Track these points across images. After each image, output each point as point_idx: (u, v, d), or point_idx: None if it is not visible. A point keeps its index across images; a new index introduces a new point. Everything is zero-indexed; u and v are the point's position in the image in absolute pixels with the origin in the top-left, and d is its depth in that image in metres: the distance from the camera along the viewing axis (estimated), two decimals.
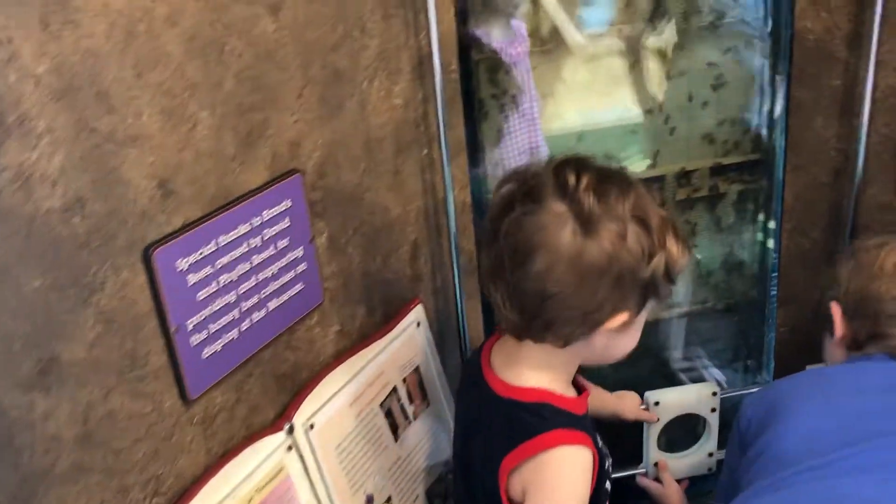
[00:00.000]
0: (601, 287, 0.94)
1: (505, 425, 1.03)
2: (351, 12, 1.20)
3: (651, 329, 1.92)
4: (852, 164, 1.55)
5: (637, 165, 1.76)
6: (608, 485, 1.12)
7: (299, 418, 1.16)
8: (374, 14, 1.24)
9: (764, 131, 1.74)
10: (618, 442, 1.62)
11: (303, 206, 1.14)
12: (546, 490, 0.98)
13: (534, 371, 1.04)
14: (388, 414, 1.33)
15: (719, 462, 1.77)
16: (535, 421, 1.00)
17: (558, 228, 0.93)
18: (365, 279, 1.33)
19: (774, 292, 1.79)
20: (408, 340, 1.39)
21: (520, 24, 1.59)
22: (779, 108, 1.67)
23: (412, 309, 1.41)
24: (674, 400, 1.58)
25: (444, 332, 1.59)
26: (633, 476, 1.68)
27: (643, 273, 0.95)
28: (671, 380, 1.90)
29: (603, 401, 1.54)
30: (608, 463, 1.13)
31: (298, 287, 1.16)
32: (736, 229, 1.84)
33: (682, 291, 1.90)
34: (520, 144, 1.67)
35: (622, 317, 0.98)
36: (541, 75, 1.66)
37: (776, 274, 1.77)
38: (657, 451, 1.66)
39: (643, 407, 1.59)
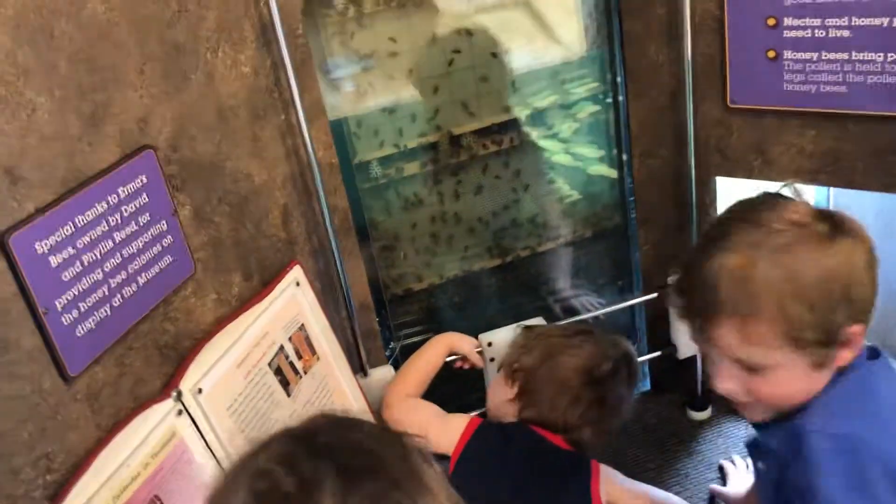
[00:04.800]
0: None
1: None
2: None
3: (529, 263, 2.04)
4: (683, 85, 1.67)
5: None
6: None
7: (186, 384, 1.20)
8: None
9: (607, 64, 1.85)
10: (464, 386, 1.72)
11: (159, 180, 1.17)
12: None
13: None
14: (278, 371, 1.38)
15: None
16: None
17: None
18: (237, 246, 1.37)
19: (633, 215, 1.93)
20: (289, 301, 1.44)
21: None
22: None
23: (289, 271, 1.46)
24: (505, 338, 1.63)
25: (326, 289, 1.65)
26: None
27: None
28: (548, 311, 2.02)
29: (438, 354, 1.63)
30: None
31: (167, 259, 1.19)
32: (592, 160, 1.96)
33: (553, 225, 2.02)
34: None
35: None
36: None
37: (633, 198, 1.90)
38: None
39: (479, 350, 1.66)
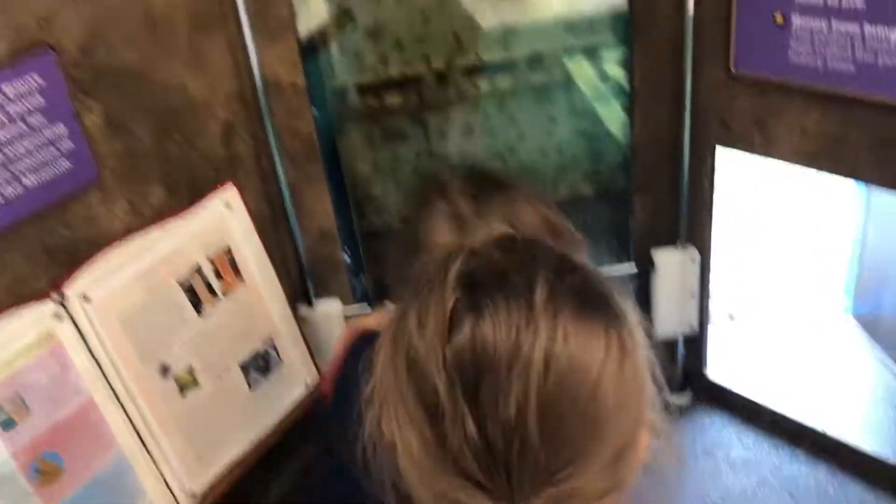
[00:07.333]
0: None
1: None
2: None
3: None
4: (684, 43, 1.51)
5: None
6: None
7: (73, 290, 1.21)
8: None
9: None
10: None
11: (59, 82, 1.16)
12: None
13: None
14: (190, 290, 1.37)
15: None
16: None
17: None
18: (161, 159, 1.35)
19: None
20: (215, 221, 1.42)
21: None
22: None
23: (220, 191, 1.43)
24: None
25: (279, 213, 1.62)
26: None
27: None
28: None
29: None
30: None
31: (65, 164, 1.19)
32: (593, 114, 1.82)
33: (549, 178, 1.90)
34: None
35: None
36: None
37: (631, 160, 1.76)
38: None
39: None
